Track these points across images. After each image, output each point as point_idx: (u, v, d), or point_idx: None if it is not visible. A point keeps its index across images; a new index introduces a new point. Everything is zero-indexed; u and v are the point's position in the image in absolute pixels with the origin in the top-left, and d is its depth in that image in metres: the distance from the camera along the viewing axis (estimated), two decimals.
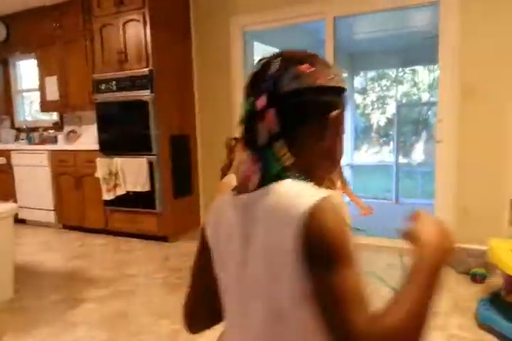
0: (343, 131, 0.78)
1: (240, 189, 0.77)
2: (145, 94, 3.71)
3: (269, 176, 0.71)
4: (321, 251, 0.64)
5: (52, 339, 2.24)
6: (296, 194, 0.68)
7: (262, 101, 0.70)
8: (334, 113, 0.74)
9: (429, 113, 7.57)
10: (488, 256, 2.33)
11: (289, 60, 0.73)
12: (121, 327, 2.34)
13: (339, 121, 0.76)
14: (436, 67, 4.00)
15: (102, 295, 2.77)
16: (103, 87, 3.95)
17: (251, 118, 0.72)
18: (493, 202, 3.06)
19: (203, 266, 0.87)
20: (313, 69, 0.72)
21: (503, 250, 2.12)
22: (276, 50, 0.79)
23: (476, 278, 2.71)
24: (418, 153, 7.70)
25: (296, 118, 0.72)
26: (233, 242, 0.77)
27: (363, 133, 8.96)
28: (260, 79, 0.73)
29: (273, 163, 0.70)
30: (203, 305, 0.91)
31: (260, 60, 0.76)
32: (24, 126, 5.21)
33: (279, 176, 0.70)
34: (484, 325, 2.15)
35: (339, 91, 0.76)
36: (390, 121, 7.88)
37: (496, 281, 2.56)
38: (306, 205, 0.64)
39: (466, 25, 3.02)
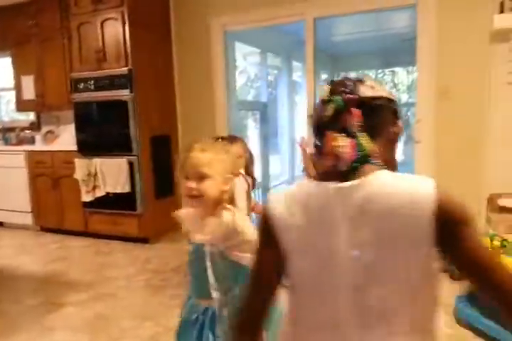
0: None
1: (324, 177, 0.85)
2: (124, 94, 3.66)
3: (358, 160, 0.83)
4: (463, 223, 0.79)
5: None
6: (409, 183, 0.81)
7: (351, 101, 0.86)
8: (400, 122, 0.92)
9: (409, 113, 7.69)
10: None
11: (355, 80, 0.91)
12: (103, 331, 2.30)
13: (401, 127, 0.93)
14: (414, 68, 4.05)
15: (81, 298, 2.72)
16: (81, 86, 3.89)
17: (339, 113, 0.86)
18: (470, 202, 3.11)
19: (275, 261, 0.89)
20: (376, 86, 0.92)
21: None
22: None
23: (454, 276, 2.75)
24: (397, 154, 7.80)
25: (375, 117, 0.88)
26: (327, 229, 0.83)
27: None
28: (341, 86, 0.89)
29: (361, 148, 0.83)
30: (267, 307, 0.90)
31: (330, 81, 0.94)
32: (0, 127, 5.09)
33: (365, 160, 0.83)
34: (462, 321, 2.19)
35: (395, 103, 0.94)
36: None
37: None
38: (429, 190, 0.78)
39: (442, 27, 3.09)
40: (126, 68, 3.64)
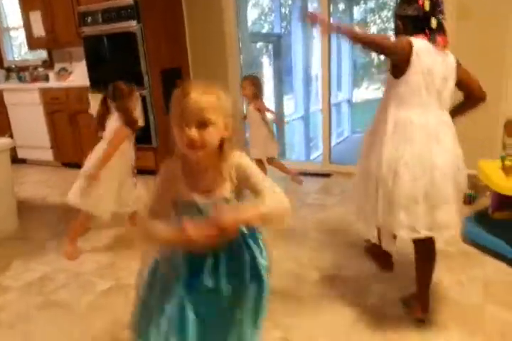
0: None
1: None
2: (132, 25, 3.57)
3: None
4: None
5: (58, 264, 2.36)
6: None
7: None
8: None
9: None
10: (477, 178, 2.38)
11: None
12: (125, 250, 2.44)
13: None
14: None
15: (105, 223, 2.86)
16: (89, 19, 3.80)
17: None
18: (487, 127, 3.06)
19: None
20: None
21: (492, 169, 2.16)
22: None
23: (466, 200, 2.78)
24: None
25: None
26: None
27: (363, 69, 8.73)
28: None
29: None
30: None
31: None
32: (13, 66, 5.08)
33: None
34: (469, 241, 2.25)
35: None
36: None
37: (485, 202, 2.63)
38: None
39: None
40: None
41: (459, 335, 1.56)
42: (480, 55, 3.01)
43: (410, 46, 1.43)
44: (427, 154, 1.45)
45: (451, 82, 1.53)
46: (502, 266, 2.01)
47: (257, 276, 1.14)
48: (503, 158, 2.11)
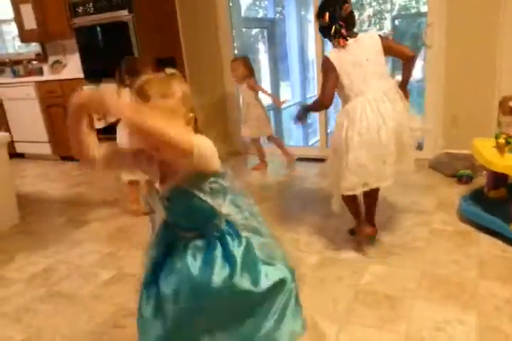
0: None
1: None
2: (124, 15, 3.55)
3: None
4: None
5: (61, 255, 2.38)
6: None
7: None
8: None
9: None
10: (474, 158, 2.39)
11: None
12: (126, 241, 2.48)
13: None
14: None
15: (104, 215, 2.90)
16: (80, 9, 3.78)
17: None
18: (482, 106, 3.06)
19: None
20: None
21: (486, 147, 2.16)
22: None
23: (463, 180, 2.79)
24: (417, 70, 7.47)
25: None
26: None
27: None
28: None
29: None
30: None
31: None
32: (7, 60, 5.06)
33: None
34: (465, 219, 2.27)
35: None
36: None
37: (482, 182, 2.64)
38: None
39: None
40: None
41: (454, 311, 1.58)
42: (473, 35, 2.99)
43: (333, 66, 1.92)
44: (374, 128, 1.86)
45: (378, 55, 1.93)
46: (498, 243, 2.03)
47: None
48: (497, 136, 2.11)
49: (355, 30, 1.99)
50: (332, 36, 1.92)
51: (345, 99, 1.96)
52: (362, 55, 1.90)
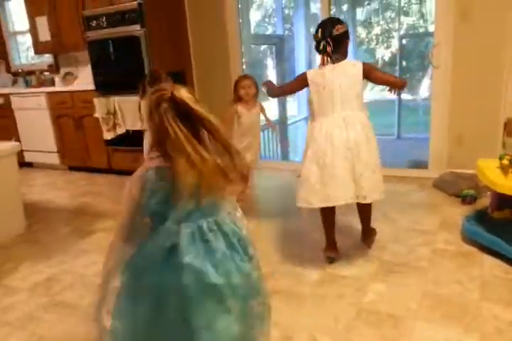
0: None
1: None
2: (136, 29, 3.62)
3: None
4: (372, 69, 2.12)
5: (65, 265, 2.40)
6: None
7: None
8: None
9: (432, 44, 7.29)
10: (478, 178, 2.40)
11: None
12: None
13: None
14: None
15: (110, 225, 2.92)
16: (94, 23, 3.86)
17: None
18: (487, 126, 3.08)
19: None
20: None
21: (490, 168, 2.18)
22: None
23: (466, 200, 2.80)
24: (423, 88, 7.53)
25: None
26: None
27: None
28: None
29: None
30: None
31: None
32: (20, 70, 5.17)
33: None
34: (469, 239, 2.27)
35: None
36: (394, 56, 7.64)
37: (486, 202, 2.64)
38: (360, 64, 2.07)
39: None
40: (135, 2, 3.57)
41: (456, 332, 1.58)
42: (479, 56, 3.03)
43: (305, 78, 2.11)
44: (322, 149, 2.02)
45: (354, 84, 2.03)
46: (501, 264, 2.03)
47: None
48: (501, 157, 2.13)
49: (348, 59, 2.10)
50: (319, 51, 2.06)
51: (313, 115, 2.16)
52: (336, 81, 2.01)
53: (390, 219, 2.65)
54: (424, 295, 1.83)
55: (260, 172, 4.00)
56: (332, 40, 2.01)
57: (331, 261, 2.17)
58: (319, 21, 2.15)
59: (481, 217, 2.31)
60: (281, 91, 2.45)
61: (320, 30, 2.05)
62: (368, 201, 2.04)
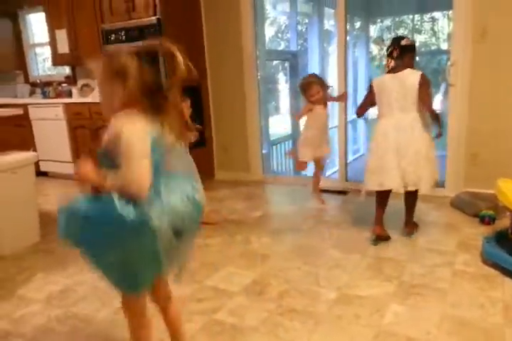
0: None
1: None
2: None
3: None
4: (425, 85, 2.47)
5: (80, 276, 2.39)
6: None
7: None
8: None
9: (449, 63, 7.31)
10: (497, 199, 2.37)
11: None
12: None
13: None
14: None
15: None
16: (112, 37, 3.92)
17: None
18: (505, 145, 3.06)
19: None
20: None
21: (509, 188, 2.15)
22: None
23: (485, 220, 2.76)
24: (435, 104, 7.49)
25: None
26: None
27: None
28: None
29: None
30: None
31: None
32: (38, 81, 5.25)
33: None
34: (489, 261, 2.23)
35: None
36: None
37: (505, 223, 2.60)
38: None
39: None
40: (154, 18, 3.63)
41: None
42: (496, 75, 3.03)
43: (371, 86, 2.57)
44: (380, 145, 2.52)
45: (410, 91, 2.40)
46: None
47: None
48: None
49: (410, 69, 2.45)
50: (387, 55, 2.51)
51: (378, 115, 2.58)
52: (394, 89, 2.44)
53: (408, 238, 2.62)
54: (444, 319, 1.79)
55: (272, 187, 4.00)
56: (399, 48, 2.44)
57: (377, 240, 2.53)
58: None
59: (501, 238, 2.27)
60: (364, 108, 2.70)
61: (392, 39, 2.53)
62: (411, 189, 2.49)
